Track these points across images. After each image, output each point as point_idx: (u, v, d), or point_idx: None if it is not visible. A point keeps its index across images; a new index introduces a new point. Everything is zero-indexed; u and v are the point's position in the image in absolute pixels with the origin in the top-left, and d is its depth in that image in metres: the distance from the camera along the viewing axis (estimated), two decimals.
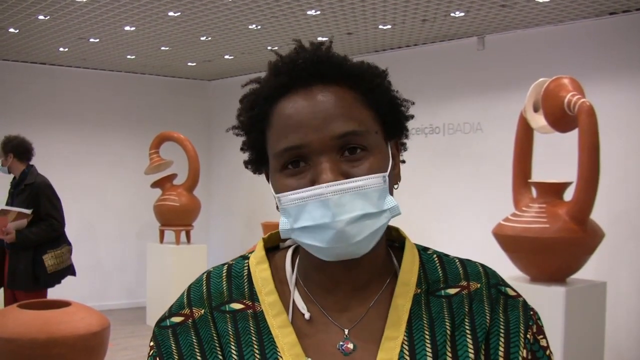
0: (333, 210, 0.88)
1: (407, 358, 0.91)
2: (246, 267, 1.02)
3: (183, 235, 7.62)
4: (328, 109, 0.91)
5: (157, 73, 8.93)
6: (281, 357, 0.92)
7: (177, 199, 7.44)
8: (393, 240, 1.05)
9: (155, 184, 7.61)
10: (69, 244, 5.24)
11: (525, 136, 4.28)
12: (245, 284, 1.00)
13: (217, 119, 9.36)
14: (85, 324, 4.04)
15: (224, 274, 1.02)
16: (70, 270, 5.25)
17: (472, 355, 0.93)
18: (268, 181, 1.00)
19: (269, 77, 0.96)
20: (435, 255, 1.03)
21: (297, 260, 1.01)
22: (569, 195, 4.03)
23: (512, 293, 1.00)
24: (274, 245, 1.07)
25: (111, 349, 5.10)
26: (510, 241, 4.03)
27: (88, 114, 8.53)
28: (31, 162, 5.22)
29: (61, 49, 7.28)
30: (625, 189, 5.22)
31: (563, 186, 4.10)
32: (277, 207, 0.95)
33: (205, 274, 1.04)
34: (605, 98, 5.05)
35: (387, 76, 0.98)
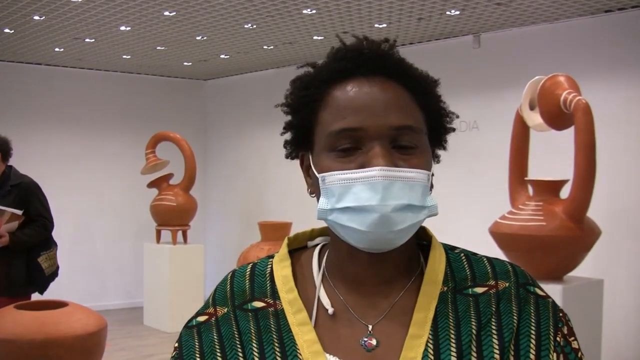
0: (381, 194, 0.88)
1: (432, 357, 0.90)
2: (269, 266, 1.03)
3: (180, 235, 7.62)
4: (389, 99, 0.93)
5: (152, 73, 8.92)
6: (300, 354, 0.92)
7: (173, 198, 7.44)
8: (422, 238, 1.05)
9: (151, 184, 7.60)
10: (56, 244, 5.04)
11: (521, 134, 4.28)
12: (267, 282, 1.01)
13: (213, 118, 9.35)
14: (82, 324, 4.03)
15: (247, 273, 1.03)
16: (57, 272, 5.05)
17: (497, 356, 0.91)
18: (301, 166, 1.01)
19: (329, 62, 0.98)
20: (462, 254, 1.04)
21: (325, 257, 1.02)
22: (565, 193, 4.03)
23: (541, 293, 0.99)
24: (301, 246, 1.08)
25: (108, 349, 5.08)
26: (507, 239, 4.03)
27: (84, 114, 8.51)
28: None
29: (57, 49, 7.26)
30: (622, 186, 5.23)
31: (559, 184, 4.11)
32: (310, 193, 0.97)
33: (230, 273, 1.05)
34: (601, 96, 5.05)
35: (438, 85, 1.01)
